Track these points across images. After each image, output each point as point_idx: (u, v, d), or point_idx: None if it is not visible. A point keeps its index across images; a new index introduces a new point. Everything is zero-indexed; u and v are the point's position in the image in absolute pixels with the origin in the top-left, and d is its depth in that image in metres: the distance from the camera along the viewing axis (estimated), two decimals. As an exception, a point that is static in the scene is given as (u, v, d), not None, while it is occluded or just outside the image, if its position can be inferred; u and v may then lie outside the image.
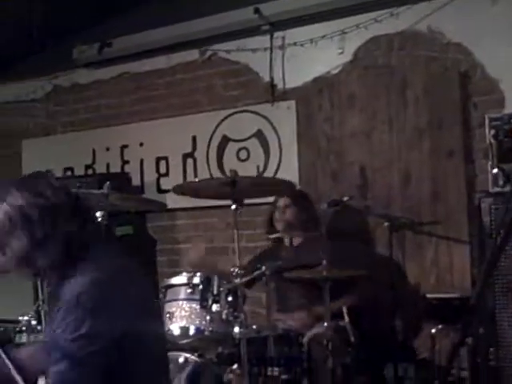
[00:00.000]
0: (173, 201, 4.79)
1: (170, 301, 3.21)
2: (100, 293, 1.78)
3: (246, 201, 3.22)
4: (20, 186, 1.89)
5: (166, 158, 5.02)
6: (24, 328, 3.65)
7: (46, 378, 1.64)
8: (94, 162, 5.31)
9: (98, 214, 3.19)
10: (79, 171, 5.33)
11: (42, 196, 1.85)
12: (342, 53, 4.31)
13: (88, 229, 1.91)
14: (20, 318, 3.68)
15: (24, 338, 3.63)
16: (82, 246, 1.87)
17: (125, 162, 5.19)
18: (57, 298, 1.85)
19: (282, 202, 3.93)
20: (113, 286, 1.83)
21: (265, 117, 4.59)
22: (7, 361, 1.40)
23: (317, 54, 4.39)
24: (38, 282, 4.37)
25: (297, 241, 3.93)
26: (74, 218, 1.87)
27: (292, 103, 4.49)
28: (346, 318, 3.37)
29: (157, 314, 2.26)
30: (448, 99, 4.01)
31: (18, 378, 1.37)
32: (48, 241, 1.82)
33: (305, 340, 3.30)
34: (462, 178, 3.98)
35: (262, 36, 4.55)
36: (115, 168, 5.19)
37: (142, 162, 5.12)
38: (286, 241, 3.97)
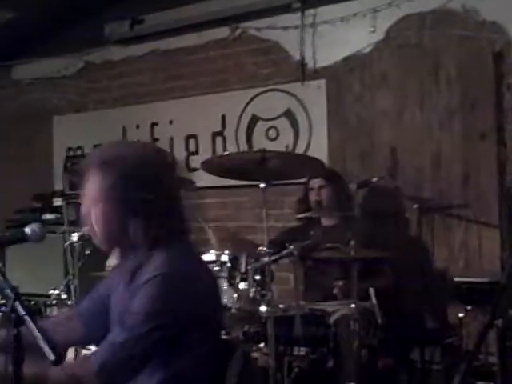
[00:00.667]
0: (202, 179, 4.80)
1: (197, 278, 3.23)
2: (179, 276, 1.77)
3: (275, 182, 3.22)
4: (122, 153, 1.85)
5: (195, 137, 5.03)
6: (54, 302, 3.69)
7: (76, 347, 1.65)
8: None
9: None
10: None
11: (146, 165, 1.82)
12: (373, 31, 4.24)
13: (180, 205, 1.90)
14: (50, 291, 3.72)
15: (54, 312, 3.69)
16: (173, 221, 1.86)
17: (155, 140, 5.21)
18: (131, 273, 1.83)
19: (317, 182, 3.92)
20: (192, 271, 1.82)
21: (295, 96, 4.56)
22: (35, 330, 1.41)
23: (348, 33, 4.34)
24: (69, 256, 4.43)
25: (329, 221, 3.92)
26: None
27: (322, 82, 4.45)
28: (374, 300, 3.35)
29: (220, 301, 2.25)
30: (481, 80, 3.95)
31: (45, 347, 1.38)
32: (148, 211, 1.79)
33: (331, 320, 3.30)
34: (494, 161, 3.92)
35: (293, 14, 4.51)
36: (145, 146, 5.21)
37: (171, 140, 5.14)
38: (321, 220, 3.95)
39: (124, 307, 1.77)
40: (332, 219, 3.93)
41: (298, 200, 4.10)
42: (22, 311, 1.45)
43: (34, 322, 1.43)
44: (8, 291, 1.50)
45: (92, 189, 1.83)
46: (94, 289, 2.07)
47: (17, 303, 1.47)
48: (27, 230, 1.80)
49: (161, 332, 1.71)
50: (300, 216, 3.88)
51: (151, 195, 1.79)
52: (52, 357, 1.37)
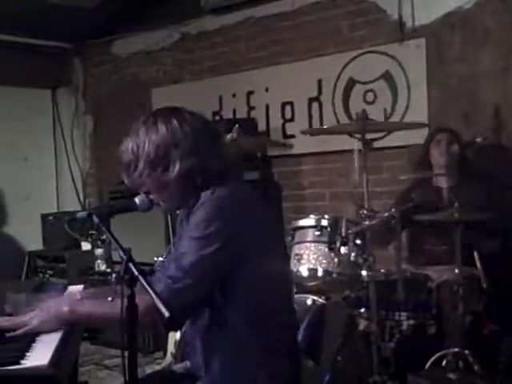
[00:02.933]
0: (298, 146, 4.80)
1: (298, 242, 3.24)
2: (233, 204, 1.84)
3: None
4: (166, 115, 1.94)
5: (291, 103, 5.00)
6: (159, 268, 3.80)
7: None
8: (220, 109, 5.40)
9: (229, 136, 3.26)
10: (207, 118, 5.42)
11: (189, 123, 1.93)
12: (476, -15, 4.05)
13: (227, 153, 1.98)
14: (155, 258, 3.84)
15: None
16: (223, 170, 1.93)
17: (251, 108, 5.23)
18: (186, 217, 1.93)
19: (446, 136, 3.68)
20: (246, 204, 1.90)
21: (393, 57, 4.43)
22: (149, 288, 1.47)
23: (448, -12, 4.16)
24: (170, 225, 4.56)
25: (444, 182, 3.74)
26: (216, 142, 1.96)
27: (422, 41, 4.30)
28: (479, 265, 3.25)
29: (283, 246, 2.29)
30: None
31: (160, 305, 1.43)
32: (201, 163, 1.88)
33: (434, 285, 3.24)
34: None
35: (391, -29, 4.38)
36: (241, 114, 5.25)
37: (267, 107, 5.14)
38: (434, 180, 3.76)
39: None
40: (448, 180, 3.70)
41: (414, 159, 3.88)
42: (135, 271, 1.51)
43: (147, 282, 1.48)
44: (121, 253, 1.56)
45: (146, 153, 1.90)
46: None
47: (130, 264, 1.52)
48: (137, 199, 1.88)
49: (212, 249, 1.76)
50: (403, 178, 3.75)
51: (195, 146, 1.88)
52: (167, 314, 1.41)
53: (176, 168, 1.86)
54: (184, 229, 1.93)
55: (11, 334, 1.79)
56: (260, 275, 1.83)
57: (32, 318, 1.84)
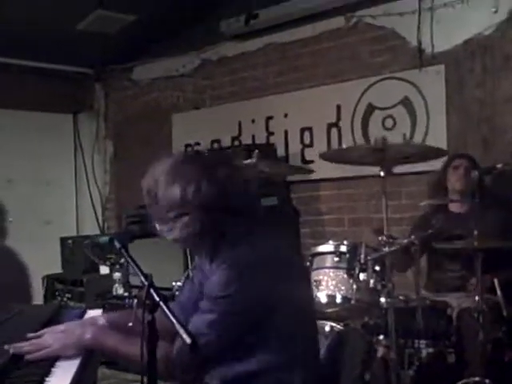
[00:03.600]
0: (317, 171, 4.80)
1: (316, 268, 3.23)
2: (255, 260, 1.84)
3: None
4: (196, 162, 1.92)
5: (310, 129, 5.02)
6: (177, 293, 3.81)
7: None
8: (240, 134, 5.43)
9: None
10: (226, 143, 5.47)
11: (218, 172, 1.88)
12: (495, 12, 4.05)
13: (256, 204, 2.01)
14: (173, 283, 3.84)
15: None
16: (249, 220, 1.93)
17: (270, 134, 5.26)
18: (210, 259, 1.94)
19: (464, 162, 3.67)
20: (266, 259, 1.88)
21: (412, 83, 4.45)
22: (170, 315, 1.47)
23: (468, 15, 4.17)
24: (188, 251, 4.56)
25: (461, 208, 3.71)
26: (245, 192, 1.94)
27: (441, 68, 4.31)
28: (499, 292, 3.21)
29: (307, 280, 2.30)
30: None
31: (182, 332, 1.43)
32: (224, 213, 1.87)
33: (454, 313, 3.20)
34: None
35: (409, -1, 4.40)
36: (260, 139, 5.27)
37: (286, 132, 5.16)
38: (450, 206, 3.75)
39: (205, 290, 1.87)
40: (463, 206, 3.68)
41: (431, 184, 3.86)
42: (156, 297, 1.51)
43: (169, 308, 1.48)
44: (142, 279, 1.57)
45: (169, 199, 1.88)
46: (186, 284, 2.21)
47: (151, 290, 1.53)
48: (157, 225, 1.88)
49: (232, 312, 1.78)
50: (423, 204, 3.74)
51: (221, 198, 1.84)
52: (188, 340, 1.41)
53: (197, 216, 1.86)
54: (205, 284, 1.92)
55: (31, 356, 1.79)
56: (286, 323, 1.85)
57: (54, 341, 1.85)
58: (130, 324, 1.80)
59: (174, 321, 1.44)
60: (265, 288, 1.82)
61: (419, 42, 4.38)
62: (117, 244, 1.77)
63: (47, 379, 1.64)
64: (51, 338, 1.87)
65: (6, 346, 1.78)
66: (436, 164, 3.87)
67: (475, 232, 3.03)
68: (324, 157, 3.34)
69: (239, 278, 1.79)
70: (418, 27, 4.36)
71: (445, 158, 3.68)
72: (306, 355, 1.93)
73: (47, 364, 1.75)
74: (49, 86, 6.10)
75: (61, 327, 1.97)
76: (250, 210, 1.96)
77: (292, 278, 1.94)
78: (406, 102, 4.50)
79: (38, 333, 1.92)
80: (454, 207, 3.75)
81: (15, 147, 5.99)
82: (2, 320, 2.22)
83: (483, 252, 3.04)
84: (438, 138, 4.27)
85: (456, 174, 3.68)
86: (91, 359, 1.88)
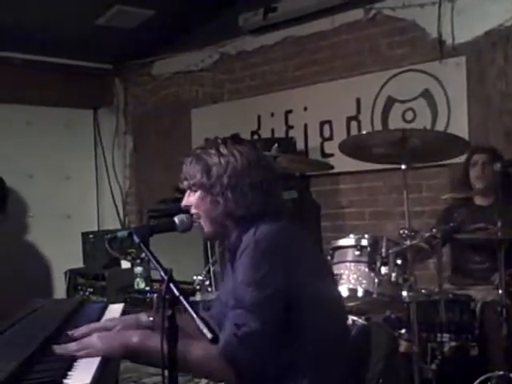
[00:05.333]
0: (337, 165, 4.77)
1: (337, 262, 3.21)
2: (278, 240, 1.82)
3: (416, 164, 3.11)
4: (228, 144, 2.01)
5: (329, 122, 5.00)
6: (198, 287, 3.82)
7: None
8: (259, 128, 5.43)
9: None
10: (245, 137, 5.43)
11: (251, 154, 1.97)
12: (517, 2, 4.00)
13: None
14: (194, 277, 3.85)
15: (198, 297, 3.81)
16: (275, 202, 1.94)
17: (289, 127, 5.24)
18: (233, 253, 1.92)
19: (482, 157, 3.66)
20: (292, 238, 1.87)
21: (432, 75, 4.40)
22: (191, 310, 1.46)
23: (489, 5, 4.11)
24: (209, 245, 4.57)
25: (485, 201, 3.68)
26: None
27: (462, 59, 4.27)
28: (522, 285, 3.18)
29: (331, 273, 2.28)
30: None
31: (203, 327, 1.42)
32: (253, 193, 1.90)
33: (478, 306, 3.17)
34: None
35: (430, -10, 4.36)
36: (280, 133, 5.26)
37: (305, 126, 5.14)
38: (474, 199, 3.73)
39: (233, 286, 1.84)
40: (488, 199, 3.65)
41: (456, 177, 3.87)
42: (176, 292, 1.51)
43: (189, 303, 1.47)
44: (162, 273, 1.57)
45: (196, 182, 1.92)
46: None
47: (171, 285, 1.52)
48: (176, 219, 1.88)
49: (266, 294, 1.74)
50: (444, 197, 3.70)
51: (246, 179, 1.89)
52: (210, 335, 1.40)
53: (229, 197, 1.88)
54: (234, 270, 1.90)
55: (77, 355, 1.77)
56: (320, 303, 1.83)
57: (101, 341, 1.80)
58: (151, 318, 1.80)
59: (195, 316, 1.43)
60: (291, 267, 1.79)
61: (439, 34, 4.34)
62: (136, 238, 1.77)
63: (70, 373, 1.64)
64: (98, 338, 1.81)
65: (54, 347, 1.78)
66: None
67: (499, 223, 3.00)
68: (343, 147, 3.30)
69: (265, 259, 1.77)
70: (439, 18, 4.32)
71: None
72: (337, 348, 1.90)
73: (69, 358, 1.76)
74: (69, 81, 6.14)
75: (101, 325, 1.96)
76: (278, 196, 1.97)
77: (320, 265, 1.94)
78: (426, 95, 4.46)
79: (81, 330, 1.90)
80: (479, 200, 3.72)
81: (36, 143, 6.04)
82: (25, 315, 2.24)
83: (507, 243, 3.01)
84: (460, 130, 4.21)
85: (475, 171, 3.67)
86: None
